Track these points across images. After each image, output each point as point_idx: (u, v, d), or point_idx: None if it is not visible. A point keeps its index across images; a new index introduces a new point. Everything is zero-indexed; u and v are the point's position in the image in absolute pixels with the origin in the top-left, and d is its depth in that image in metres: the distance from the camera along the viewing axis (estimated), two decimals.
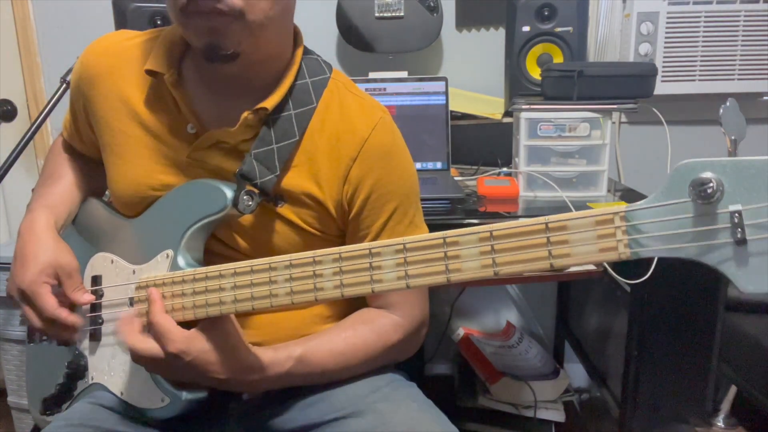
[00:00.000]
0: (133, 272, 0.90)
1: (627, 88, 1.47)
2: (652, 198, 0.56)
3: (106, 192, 1.09)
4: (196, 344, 0.78)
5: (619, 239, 0.57)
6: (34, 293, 0.88)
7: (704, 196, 0.52)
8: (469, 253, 0.63)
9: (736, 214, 0.52)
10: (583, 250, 0.59)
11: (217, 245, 0.91)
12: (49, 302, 0.88)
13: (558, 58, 1.77)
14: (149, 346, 0.78)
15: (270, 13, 0.80)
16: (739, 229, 0.52)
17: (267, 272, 0.74)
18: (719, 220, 0.53)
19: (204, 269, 0.79)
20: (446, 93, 1.72)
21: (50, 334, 0.94)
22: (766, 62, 1.89)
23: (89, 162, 1.07)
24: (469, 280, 0.64)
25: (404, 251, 0.67)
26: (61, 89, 1.49)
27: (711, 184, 0.52)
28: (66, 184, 1.04)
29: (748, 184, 0.52)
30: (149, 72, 0.88)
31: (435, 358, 2.14)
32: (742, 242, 0.52)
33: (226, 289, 0.76)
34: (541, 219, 0.61)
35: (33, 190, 1.05)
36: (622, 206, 0.57)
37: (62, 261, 0.91)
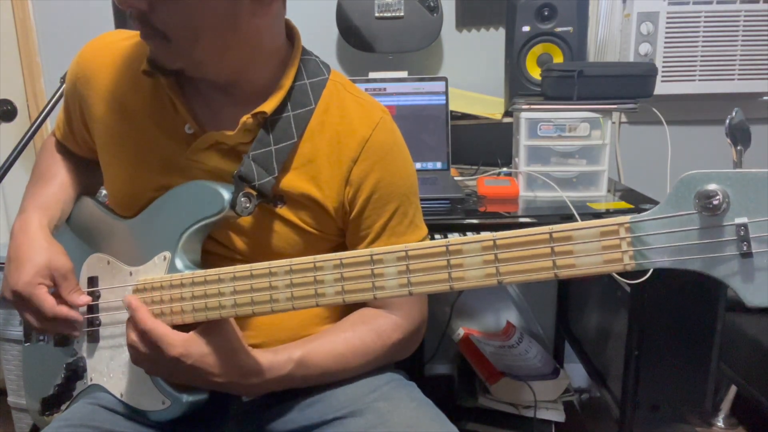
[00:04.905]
0: (130, 274, 0.90)
1: (627, 88, 1.47)
2: (657, 209, 0.56)
3: (101, 190, 1.08)
4: (195, 347, 0.77)
5: (624, 250, 0.57)
6: (32, 295, 0.88)
7: (710, 208, 0.52)
8: (472, 262, 0.63)
9: (742, 227, 0.52)
10: (588, 260, 0.59)
11: (214, 246, 0.91)
12: (49, 302, 0.88)
13: (558, 58, 1.77)
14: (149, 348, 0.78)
15: (194, 37, 0.79)
16: (745, 243, 0.51)
17: (267, 277, 0.74)
18: (725, 233, 0.53)
19: (202, 272, 0.79)
20: (446, 93, 1.71)
21: (52, 333, 0.94)
22: (766, 62, 1.89)
23: (81, 161, 1.06)
24: (472, 288, 0.64)
25: (406, 259, 0.66)
26: (61, 89, 1.48)
27: (717, 197, 0.52)
28: (58, 184, 1.02)
29: (754, 197, 0.52)
30: (146, 72, 0.87)
31: (435, 358, 2.14)
32: (747, 255, 0.51)
33: (225, 294, 0.76)
34: (546, 228, 0.60)
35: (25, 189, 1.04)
36: (627, 217, 0.57)
37: (57, 263, 0.90)
